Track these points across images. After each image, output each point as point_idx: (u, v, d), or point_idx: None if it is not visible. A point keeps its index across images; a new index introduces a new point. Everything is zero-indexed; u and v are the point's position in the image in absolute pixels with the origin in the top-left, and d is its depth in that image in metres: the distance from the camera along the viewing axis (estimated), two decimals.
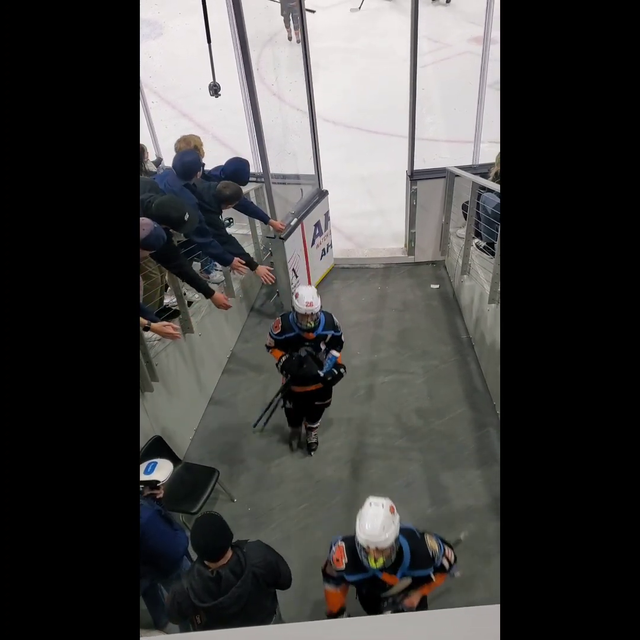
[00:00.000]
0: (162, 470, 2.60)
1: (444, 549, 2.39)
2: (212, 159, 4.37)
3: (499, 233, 3.78)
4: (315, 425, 3.83)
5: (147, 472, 2.57)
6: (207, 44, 3.76)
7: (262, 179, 4.36)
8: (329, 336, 3.39)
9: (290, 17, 7.79)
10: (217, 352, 4.50)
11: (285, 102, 4.59)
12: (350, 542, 2.29)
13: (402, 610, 2.35)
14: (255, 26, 3.72)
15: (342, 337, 3.47)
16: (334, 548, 2.36)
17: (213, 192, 3.78)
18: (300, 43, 4.34)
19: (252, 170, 4.28)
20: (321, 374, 3.39)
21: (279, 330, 3.38)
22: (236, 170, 4.06)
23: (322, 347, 3.40)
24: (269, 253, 4.83)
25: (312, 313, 3.22)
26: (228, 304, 3.75)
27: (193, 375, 4.08)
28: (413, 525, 2.43)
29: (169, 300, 3.88)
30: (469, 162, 4.84)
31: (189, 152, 3.85)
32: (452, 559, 2.41)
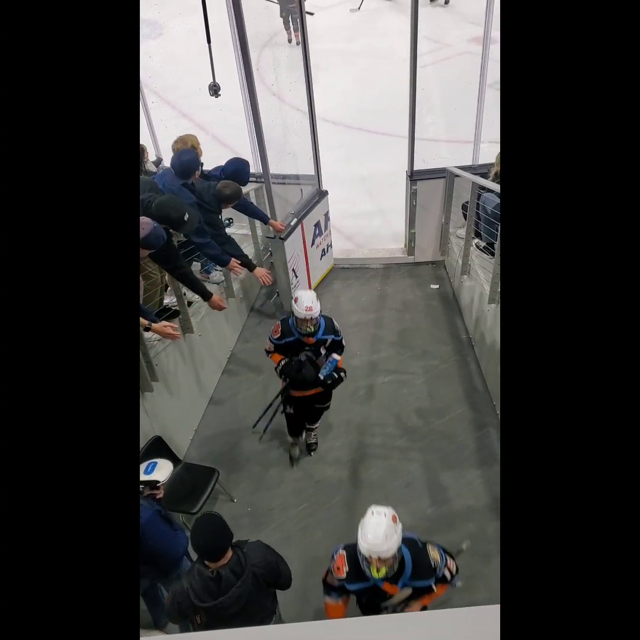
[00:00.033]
0: (162, 471, 2.60)
1: (446, 560, 2.35)
2: (212, 159, 4.37)
3: (499, 233, 3.79)
4: (314, 426, 3.83)
5: (147, 472, 2.57)
6: (207, 44, 3.77)
7: (262, 179, 4.36)
8: (329, 340, 3.35)
9: (290, 19, 7.81)
10: (217, 352, 4.50)
11: (285, 102, 4.59)
12: (352, 551, 2.26)
13: None
14: (255, 26, 3.72)
15: (343, 342, 3.44)
16: (335, 556, 2.33)
17: (213, 192, 3.78)
18: (300, 45, 4.34)
19: (252, 170, 4.28)
20: (321, 377, 3.36)
21: (278, 335, 3.34)
22: (236, 170, 4.06)
23: (323, 351, 3.38)
24: (269, 253, 4.84)
25: (311, 317, 3.19)
26: (223, 305, 3.76)
27: (193, 376, 4.08)
28: (414, 531, 2.40)
29: (169, 300, 3.88)
30: (469, 162, 4.84)
31: (187, 151, 3.85)
32: (454, 569, 2.38)
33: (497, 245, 3.93)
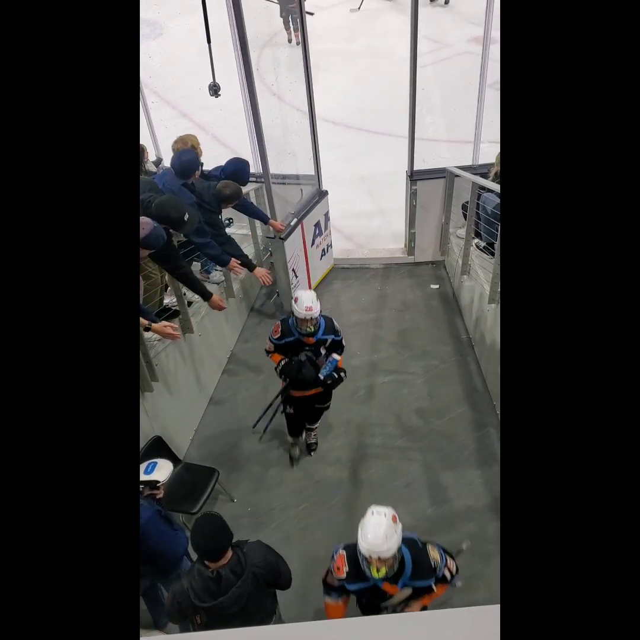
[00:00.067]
0: (162, 470, 2.60)
1: (446, 560, 2.35)
2: (212, 159, 4.37)
3: (498, 233, 3.79)
4: (314, 426, 3.83)
5: (147, 472, 2.57)
6: (207, 44, 3.77)
7: (262, 179, 4.36)
8: (329, 340, 3.35)
9: (290, 20, 7.81)
10: (217, 352, 4.50)
11: (285, 102, 4.59)
12: (352, 551, 2.26)
13: None
14: (255, 26, 3.72)
15: (343, 342, 3.44)
16: (335, 556, 2.33)
17: (213, 192, 3.78)
18: (300, 45, 4.34)
19: (252, 170, 4.28)
20: (321, 377, 3.35)
21: (278, 335, 3.34)
22: (236, 170, 4.06)
23: (323, 351, 3.37)
24: (269, 253, 4.84)
25: (311, 317, 3.19)
26: (223, 305, 3.76)
27: (193, 376, 4.08)
28: (414, 531, 2.40)
29: (169, 300, 3.89)
30: (468, 162, 4.84)
31: (187, 151, 3.85)
32: (454, 570, 2.38)
33: (497, 245, 3.93)
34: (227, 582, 2.17)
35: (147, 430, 3.36)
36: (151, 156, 4.89)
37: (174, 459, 3.34)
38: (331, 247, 5.41)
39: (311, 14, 7.15)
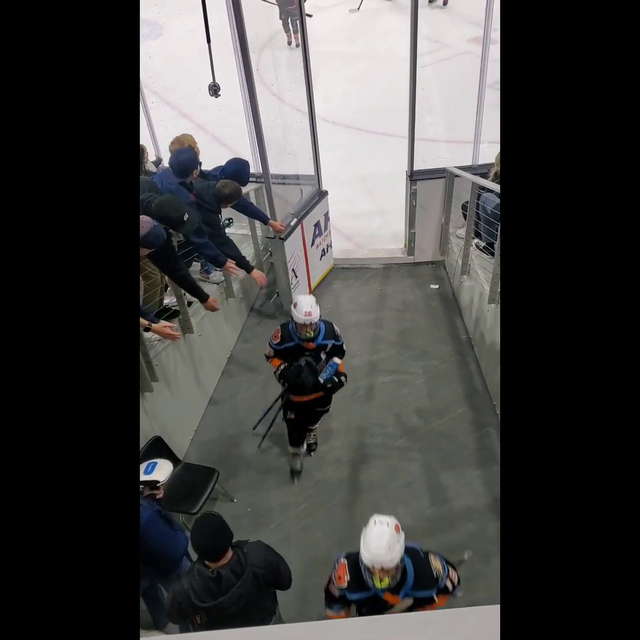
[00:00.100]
0: (162, 471, 2.60)
1: (448, 570, 2.33)
2: (212, 159, 4.37)
3: (498, 233, 3.79)
4: (314, 426, 3.82)
5: (147, 472, 2.57)
6: (207, 45, 3.77)
7: (262, 179, 4.36)
8: (330, 345, 3.33)
9: (289, 22, 7.80)
10: (216, 353, 4.50)
11: (285, 102, 4.59)
12: (353, 560, 2.24)
13: None
14: (255, 27, 3.72)
15: (344, 346, 3.42)
16: (336, 565, 2.31)
17: (212, 191, 3.77)
18: (299, 47, 4.34)
19: (252, 170, 4.28)
20: (321, 380, 3.34)
21: (278, 340, 3.32)
22: (236, 170, 4.06)
23: (323, 356, 3.35)
24: (269, 253, 4.83)
25: (311, 322, 3.17)
26: (217, 306, 3.77)
27: (193, 376, 4.08)
28: (416, 541, 2.38)
29: (169, 300, 3.88)
30: (468, 163, 4.84)
31: (185, 150, 3.84)
32: (456, 580, 2.35)
33: (497, 245, 3.93)
34: (227, 582, 2.17)
35: (147, 431, 3.36)
36: (151, 156, 4.89)
37: (174, 459, 3.34)
38: (331, 247, 5.40)
39: (310, 15, 7.13)
